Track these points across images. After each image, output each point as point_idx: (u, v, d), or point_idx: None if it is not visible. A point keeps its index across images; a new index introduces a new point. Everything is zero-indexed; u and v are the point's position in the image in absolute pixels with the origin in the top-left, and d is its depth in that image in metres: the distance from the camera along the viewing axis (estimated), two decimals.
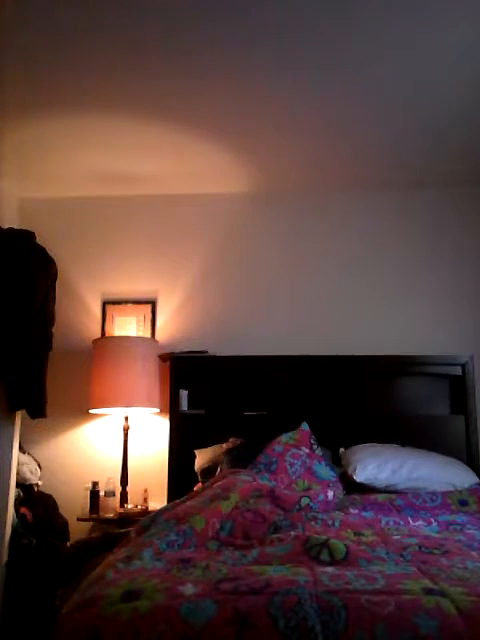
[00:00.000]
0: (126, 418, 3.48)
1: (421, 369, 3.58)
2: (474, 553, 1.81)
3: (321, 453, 3.02)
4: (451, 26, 2.45)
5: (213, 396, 3.58)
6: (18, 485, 3.02)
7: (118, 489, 3.42)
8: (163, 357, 3.61)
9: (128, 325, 3.80)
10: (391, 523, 2.37)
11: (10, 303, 2.80)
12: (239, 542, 1.97)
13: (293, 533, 1.92)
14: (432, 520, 2.44)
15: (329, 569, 1.59)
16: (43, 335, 2.95)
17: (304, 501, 2.49)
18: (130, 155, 3.49)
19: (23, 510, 2.99)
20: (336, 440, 3.31)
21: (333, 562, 1.67)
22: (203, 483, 2.99)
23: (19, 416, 2.98)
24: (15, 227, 3.09)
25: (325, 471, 2.93)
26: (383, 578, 1.48)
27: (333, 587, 1.41)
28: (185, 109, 3.03)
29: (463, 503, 2.80)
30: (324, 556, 1.69)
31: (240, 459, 2.91)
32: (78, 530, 3.41)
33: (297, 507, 2.42)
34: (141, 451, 3.60)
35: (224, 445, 3.22)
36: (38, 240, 3.02)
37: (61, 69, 2.71)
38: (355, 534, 2.06)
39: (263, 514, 2.17)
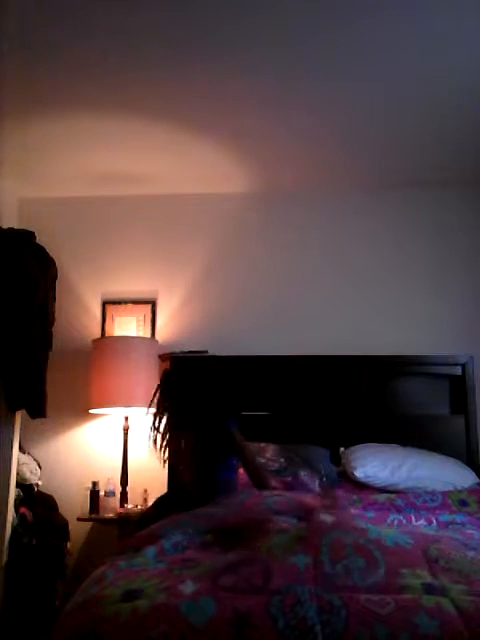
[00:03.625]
0: (126, 418, 3.48)
1: (421, 369, 3.58)
2: (472, 553, 1.81)
3: None
4: (451, 26, 2.44)
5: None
6: (18, 485, 3.01)
7: (118, 489, 3.41)
8: (163, 357, 3.60)
9: (128, 325, 3.80)
10: (395, 522, 2.39)
11: (10, 303, 2.80)
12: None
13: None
14: (433, 520, 2.45)
15: (328, 518, 1.61)
16: (43, 335, 2.95)
17: None
18: (130, 155, 3.49)
19: (23, 510, 2.99)
20: (336, 440, 3.31)
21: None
22: None
23: (19, 416, 2.98)
24: (15, 227, 3.09)
25: None
26: (382, 554, 1.48)
27: (333, 584, 1.40)
28: (185, 109, 3.03)
29: (463, 503, 2.80)
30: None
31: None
32: (78, 530, 3.42)
33: None
34: (141, 451, 3.59)
35: None
36: (38, 240, 3.02)
37: (61, 70, 2.71)
38: None
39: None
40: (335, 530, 1.61)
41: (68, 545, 3.23)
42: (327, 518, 1.64)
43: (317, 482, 2.88)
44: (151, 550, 1.77)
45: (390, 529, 1.70)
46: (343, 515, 1.69)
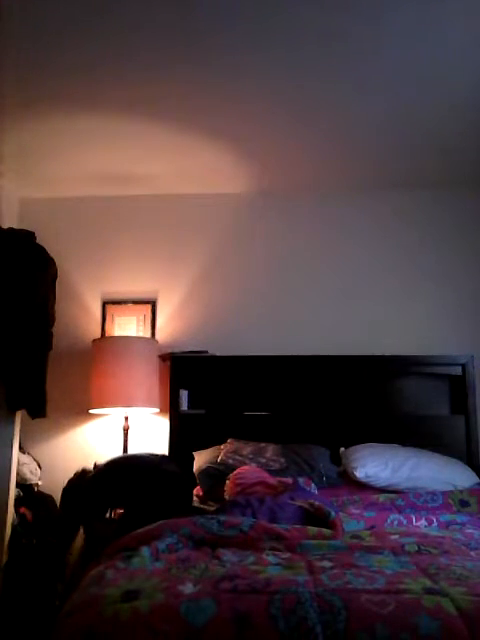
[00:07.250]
0: (126, 418, 3.48)
1: (421, 369, 3.57)
2: (472, 553, 1.82)
3: None
4: (452, 25, 2.44)
5: (213, 396, 3.58)
6: (18, 485, 3.01)
7: None
8: (163, 357, 3.60)
9: (128, 325, 3.80)
10: (395, 523, 2.39)
11: (10, 303, 2.80)
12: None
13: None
14: (433, 520, 2.45)
15: (327, 564, 1.59)
16: (43, 335, 2.95)
17: None
18: (130, 155, 3.49)
19: (23, 510, 2.99)
20: (336, 440, 3.31)
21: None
22: (201, 485, 2.99)
23: (19, 416, 2.97)
24: (15, 227, 3.09)
25: None
26: (383, 577, 1.48)
27: (333, 586, 1.40)
28: (185, 110, 3.02)
29: (464, 503, 2.80)
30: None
31: None
32: None
33: None
34: (141, 451, 3.59)
35: (221, 446, 3.22)
36: (38, 240, 3.02)
37: (62, 70, 2.70)
38: (352, 537, 2.07)
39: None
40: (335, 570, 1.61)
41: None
42: (326, 564, 1.64)
43: (315, 486, 2.87)
44: (145, 550, 1.77)
45: (388, 559, 1.70)
46: (340, 558, 1.69)
